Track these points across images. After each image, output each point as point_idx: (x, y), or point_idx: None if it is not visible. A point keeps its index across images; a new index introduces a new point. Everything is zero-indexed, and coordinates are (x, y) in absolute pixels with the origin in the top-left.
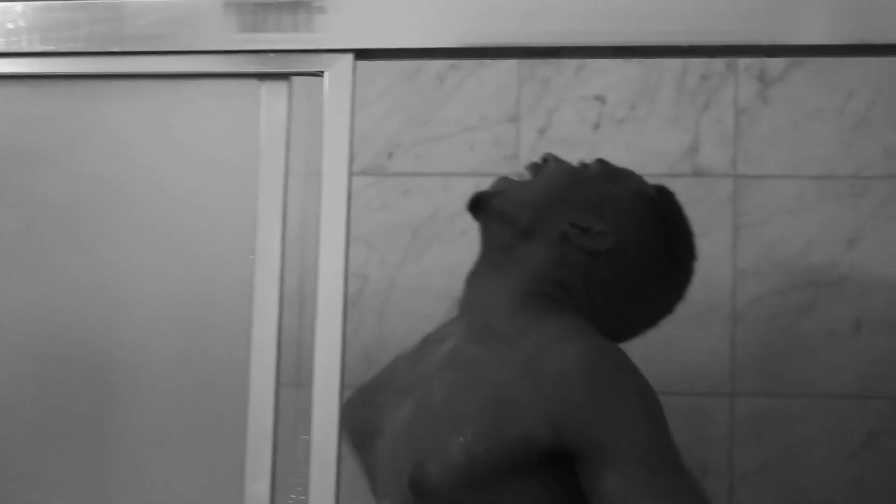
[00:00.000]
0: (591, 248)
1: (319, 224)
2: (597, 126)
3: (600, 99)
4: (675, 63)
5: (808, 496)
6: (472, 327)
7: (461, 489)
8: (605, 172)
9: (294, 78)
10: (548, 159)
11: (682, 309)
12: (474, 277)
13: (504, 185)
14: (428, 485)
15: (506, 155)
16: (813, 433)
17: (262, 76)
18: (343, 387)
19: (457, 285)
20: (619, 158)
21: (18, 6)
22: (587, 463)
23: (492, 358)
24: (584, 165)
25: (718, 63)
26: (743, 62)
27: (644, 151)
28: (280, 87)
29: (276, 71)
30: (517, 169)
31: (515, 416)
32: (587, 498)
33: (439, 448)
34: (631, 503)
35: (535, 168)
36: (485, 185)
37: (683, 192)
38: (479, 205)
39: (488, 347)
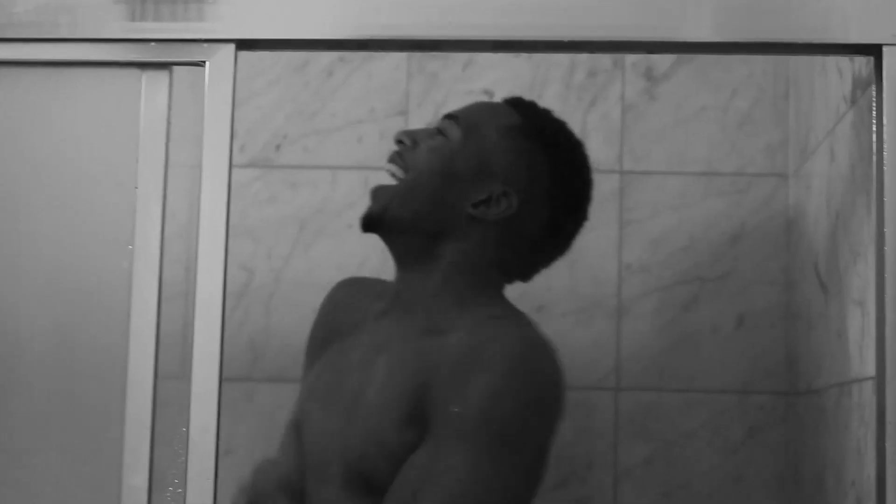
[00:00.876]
0: (503, 215)
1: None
2: None
3: (488, 93)
4: (562, 59)
5: (691, 489)
6: (416, 326)
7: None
8: (466, 129)
9: (175, 68)
10: (402, 140)
11: (568, 303)
12: (402, 283)
13: (386, 196)
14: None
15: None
16: (695, 427)
17: (142, 65)
18: (222, 379)
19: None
20: None
21: None
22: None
23: (429, 351)
24: (439, 132)
25: (606, 60)
26: (630, 59)
27: None
28: (161, 76)
29: (157, 60)
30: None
31: (433, 403)
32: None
33: (372, 435)
34: (427, 465)
35: (398, 158)
36: (373, 178)
37: None
38: (373, 225)
39: (427, 342)
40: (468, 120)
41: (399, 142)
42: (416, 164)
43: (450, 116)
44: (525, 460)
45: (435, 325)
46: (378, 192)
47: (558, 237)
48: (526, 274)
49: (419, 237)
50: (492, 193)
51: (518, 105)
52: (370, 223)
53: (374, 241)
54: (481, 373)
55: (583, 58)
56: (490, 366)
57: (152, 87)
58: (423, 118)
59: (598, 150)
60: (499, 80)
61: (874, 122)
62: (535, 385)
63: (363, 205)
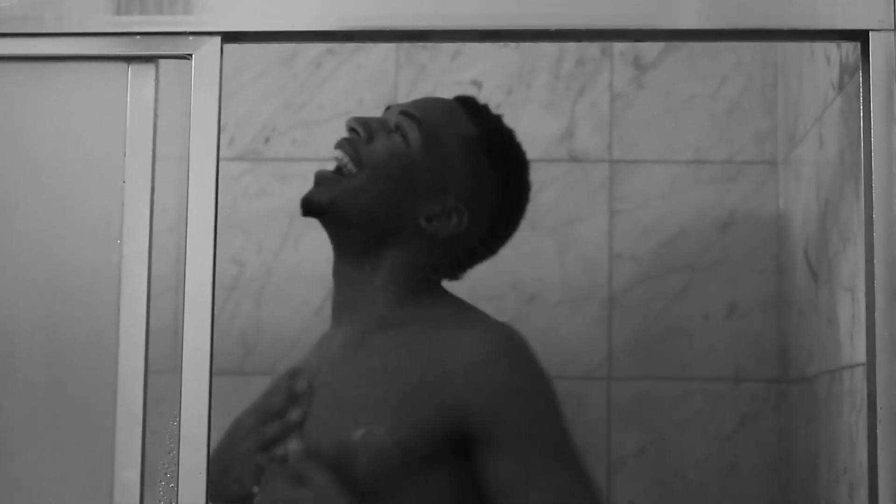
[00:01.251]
0: (451, 231)
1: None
2: None
3: (477, 84)
4: (550, 48)
5: (685, 478)
6: (363, 321)
7: (384, 477)
8: (427, 136)
9: (161, 61)
10: (357, 130)
11: (559, 294)
12: (342, 279)
13: (335, 188)
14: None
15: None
16: (688, 416)
17: (128, 59)
18: (213, 373)
19: None
20: None
21: None
22: (485, 447)
23: (396, 346)
24: (398, 129)
25: (594, 48)
26: (618, 48)
27: (520, 136)
28: (147, 70)
29: (143, 54)
30: None
31: (426, 402)
32: (481, 483)
33: (361, 437)
34: (523, 486)
35: (349, 148)
36: None
37: (560, 178)
38: (314, 212)
39: (389, 336)
40: (429, 126)
41: (352, 130)
42: (371, 162)
43: (408, 115)
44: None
45: (384, 320)
46: (325, 180)
47: (493, 246)
48: (455, 275)
49: (363, 237)
50: (444, 207)
51: (472, 111)
52: (312, 210)
53: None
54: (504, 379)
55: (571, 47)
56: (502, 368)
57: (138, 80)
58: None
59: (587, 140)
60: (487, 70)
61: (861, 107)
62: (541, 371)
63: None
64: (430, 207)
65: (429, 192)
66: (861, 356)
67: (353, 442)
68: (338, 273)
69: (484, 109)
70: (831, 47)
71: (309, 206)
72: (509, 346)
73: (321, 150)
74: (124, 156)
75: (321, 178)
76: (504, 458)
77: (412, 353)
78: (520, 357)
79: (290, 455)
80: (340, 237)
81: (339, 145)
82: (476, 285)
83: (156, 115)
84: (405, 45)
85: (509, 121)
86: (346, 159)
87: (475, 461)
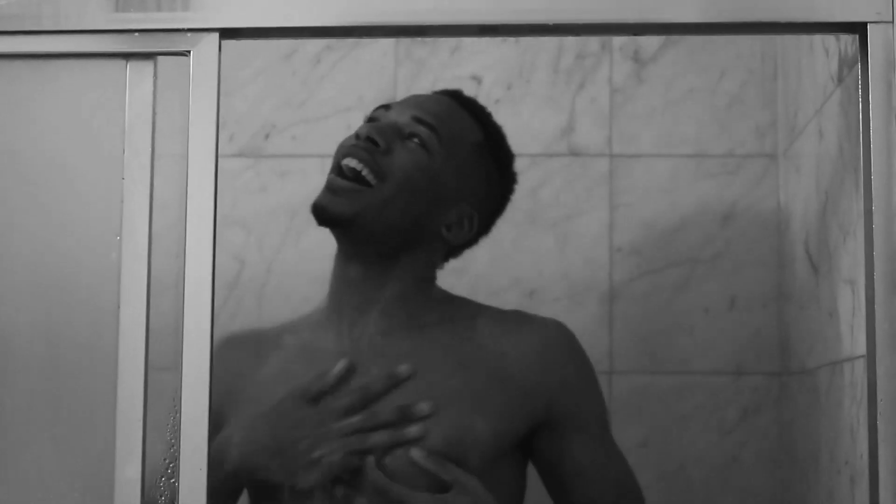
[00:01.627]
0: (466, 238)
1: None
2: None
3: (476, 79)
4: (550, 43)
5: (686, 472)
6: (382, 322)
7: (478, 469)
8: (447, 146)
9: (160, 58)
10: (376, 141)
11: (560, 288)
12: (352, 281)
13: (358, 203)
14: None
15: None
16: (689, 410)
17: (126, 56)
18: (213, 369)
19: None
20: None
21: None
22: (560, 429)
23: (460, 340)
24: (415, 137)
25: (593, 43)
26: (617, 42)
27: (520, 131)
28: (145, 67)
29: (141, 51)
30: None
31: (514, 393)
32: (559, 463)
33: (458, 428)
34: (604, 463)
35: (369, 159)
36: None
37: (560, 172)
38: (333, 224)
39: (437, 333)
40: (446, 134)
41: (368, 139)
42: (393, 175)
43: (424, 123)
44: None
45: (415, 319)
46: (343, 191)
47: (479, 239)
48: (441, 266)
49: (382, 247)
50: (460, 215)
51: (472, 112)
52: (332, 221)
53: None
54: (579, 366)
55: (570, 41)
56: (577, 356)
57: (137, 77)
58: None
59: (587, 134)
60: (487, 65)
61: (861, 100)
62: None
63: None
64: (451, 216)
65: (448, 202)
66: (861, 348)
67: (458, 436)
68: (346, 275)
69: (480, 108)
70: (830, 40)
71: (329, 217)
72: (571, 336)
73: (321, 146)
74: (123, 153)
75: (338, 188)
76: (589, 439)
77: (481, 346)
78: (580, 346)
79: (417, 457)
80: (356, 246)
81: (352, 153)
82: (477, 280)
83: (154, 112)
84: (404, 41)
85: (509, 116)
86: (364, 169)
87: (550, 444)
